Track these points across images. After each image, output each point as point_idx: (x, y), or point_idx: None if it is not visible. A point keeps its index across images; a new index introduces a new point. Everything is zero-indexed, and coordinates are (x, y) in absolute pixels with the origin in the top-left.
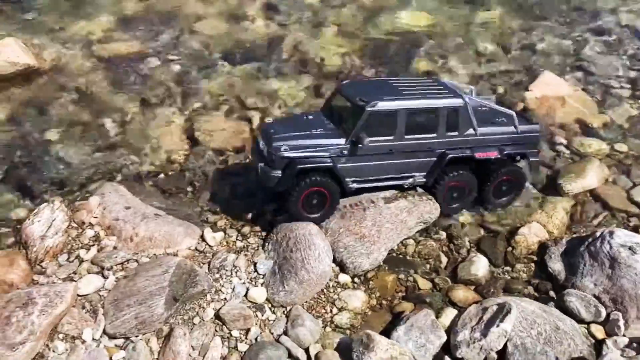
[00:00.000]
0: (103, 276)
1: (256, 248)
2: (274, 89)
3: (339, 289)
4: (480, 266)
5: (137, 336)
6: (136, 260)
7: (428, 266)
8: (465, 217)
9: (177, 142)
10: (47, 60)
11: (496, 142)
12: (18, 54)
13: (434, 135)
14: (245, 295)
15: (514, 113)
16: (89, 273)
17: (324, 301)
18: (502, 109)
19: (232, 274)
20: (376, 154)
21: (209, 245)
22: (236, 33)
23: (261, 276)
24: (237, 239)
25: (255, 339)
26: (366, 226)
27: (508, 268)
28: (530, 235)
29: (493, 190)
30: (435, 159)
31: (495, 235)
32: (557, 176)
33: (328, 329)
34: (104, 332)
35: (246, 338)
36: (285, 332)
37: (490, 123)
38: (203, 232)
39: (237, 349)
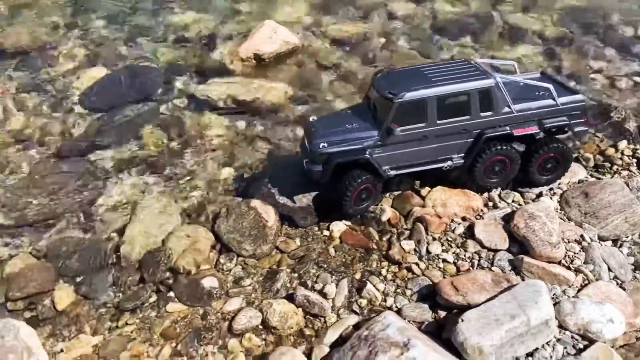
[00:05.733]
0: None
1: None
2: None
3: None
4: None
5: (627, 236)
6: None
7: None
8: None
9: None
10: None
11: (535, 117)
12: (288, 34)
13: (468, 117)
14: None
15: (550, 86)
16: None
17: None
18: (538, 83)
19: None
20: (410, 141)
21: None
22: None
23: None
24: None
25: None
26: None
27: None
28: None
29: (537, 168)
30: (472, 139)
31: None
32: None
33: None
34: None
35: None
36: None
37: (529, 99)
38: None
39: None
